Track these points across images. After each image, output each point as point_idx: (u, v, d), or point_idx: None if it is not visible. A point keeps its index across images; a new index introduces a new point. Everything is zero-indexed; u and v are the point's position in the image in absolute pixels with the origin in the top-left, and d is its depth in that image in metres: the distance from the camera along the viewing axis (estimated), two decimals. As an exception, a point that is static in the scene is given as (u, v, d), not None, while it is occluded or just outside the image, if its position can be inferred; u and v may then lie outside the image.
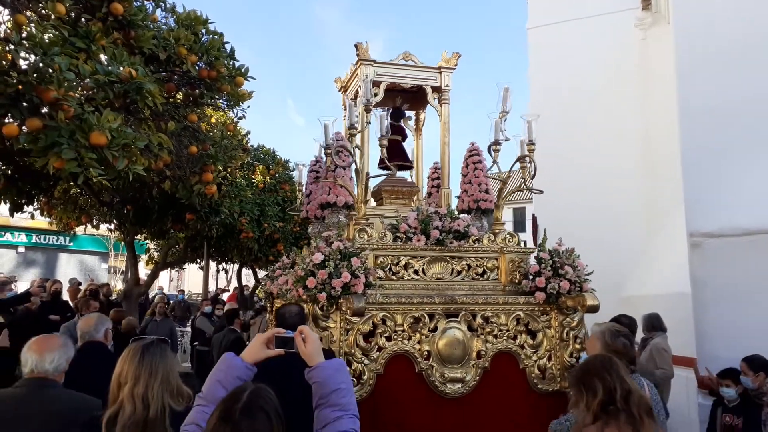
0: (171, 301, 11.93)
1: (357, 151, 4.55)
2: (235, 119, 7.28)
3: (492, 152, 4.65)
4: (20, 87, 3.77)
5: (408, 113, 5.88)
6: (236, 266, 15.53)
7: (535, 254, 4.58)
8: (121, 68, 4.23)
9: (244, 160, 9.90)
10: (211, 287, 18.64)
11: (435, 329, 4.09)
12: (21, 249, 17.98)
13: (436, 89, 5.18)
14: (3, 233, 17.34)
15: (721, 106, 5.52)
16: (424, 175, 6.08)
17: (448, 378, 4.02)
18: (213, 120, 8.08)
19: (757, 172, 5.19)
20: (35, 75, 3.74)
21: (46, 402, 2.22)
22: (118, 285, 17.73)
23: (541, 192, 4.74)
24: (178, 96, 5.85)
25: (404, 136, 5.74)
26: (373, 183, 5.49)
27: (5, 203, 6.15)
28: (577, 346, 4.24)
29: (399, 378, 4.00)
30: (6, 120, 4.00)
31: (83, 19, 4.59)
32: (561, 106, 9.17)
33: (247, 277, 18.09)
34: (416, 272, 4.33)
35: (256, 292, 15.69)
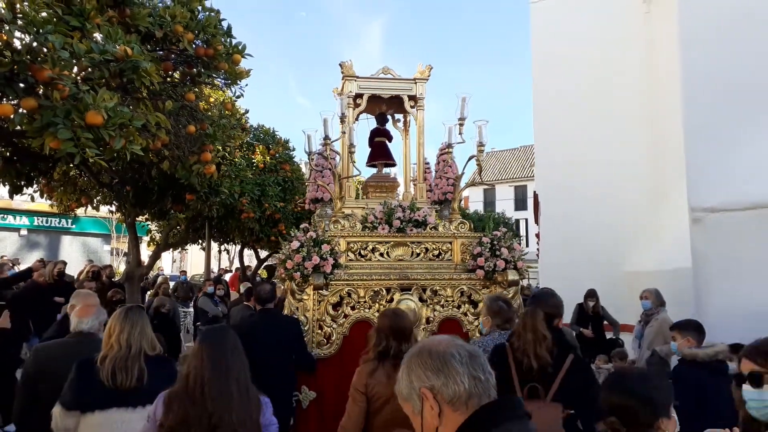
0: (173, 282, 11.96)
1: (337, 156, 5.63)
2: (234, 98, 7.21)
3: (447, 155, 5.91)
4: (14, 67, 3.72)
5: (398, 116, 6.75)
6: (238, 247, 15.57)
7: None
8: (117, 47, 4.16)
9: (243, 139, 9.85)
10: (214, 268, 18.69)
11: (391, 300, 5.00)
12: (23, 232, 18.03)
13: (412, 98, 6.00)
14: (5, 216, 17.37)
15: (726, 79, 5.44)
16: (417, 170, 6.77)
17: (402, 338, 4.99)
18: (211, 99, 8.01)
19: (761, 145, 5.13)
20: (29, 54, 3.69)
21: (86, 349, 3.07)
22: (121, 267, 17.79)
23: (492, 185, 5.53)
24: (175, 75, 5.78)
25: (390, 138, 6.59)
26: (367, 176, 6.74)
27: (4, 185, 6.13)
28: None
29: (361, 339, 4.63)
30: (1, 100, 3.95)
31: (77, -3, 4.51)
32: (564, 81, 9.08)
33: (249, 258, 18.15)
34: (381, 255, 5.22)
35: (258, 272, 15.75)
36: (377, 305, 4.98)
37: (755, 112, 5.29)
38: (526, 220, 35.15)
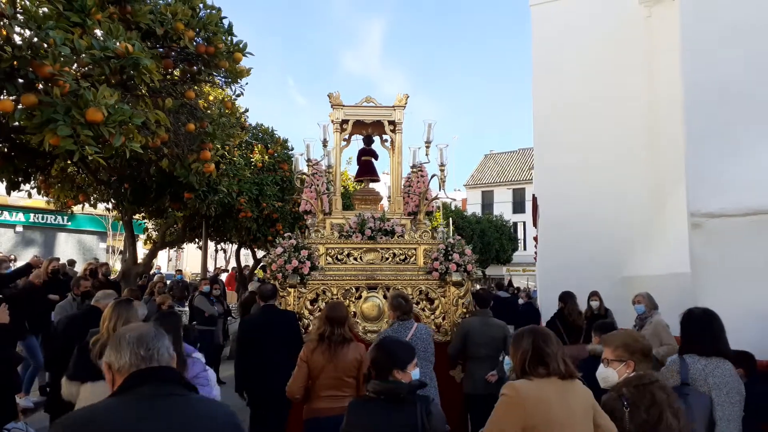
0: (169, 281, 11.89)
1: (322, 176, 6.55)
2: (233, 97, 7.18)
3: (413, 174, 7.00)
4: (15, 62, 3.69)
5: (385, 136, 7.39)
6: (235, 246, 15.52)
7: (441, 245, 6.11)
8: (118, 43, 4.14)
9: (243, 138, 9.83)
10: (210, 267, 18.63)
11: (360, 297, 5.86)
12: (19, 228, 17.92)
13: (391, 122, 6.72)
14: (0, 212, 17.28)
15: (727, 84, 5.44)
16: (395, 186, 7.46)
17: (368, 330, 5.77)
18: (211, 98, 7.99)
19: (761, 152, 5.13)
20: (30, 50, 3.66)
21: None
22: (116, 265, 17.72)
23: (454, 200, 6.04)
24: (175, 72, 5.76)
25: (376, 156, 7.40)
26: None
27: (1, 181, 6.10)
28: (464, 310, 5.90)
29: None
30: (1, 96, 3.93)
31: (78, -7, 4.48)
32: (564, 84, 9.08)
33: (246, 257, 18.10)
34: (355, 259, 6.09)
35: (255, 272, 15.71)
36: (347, 301, 5.77)
37: (755, 118, 5.30)
38: (524, 223, 35.17)
